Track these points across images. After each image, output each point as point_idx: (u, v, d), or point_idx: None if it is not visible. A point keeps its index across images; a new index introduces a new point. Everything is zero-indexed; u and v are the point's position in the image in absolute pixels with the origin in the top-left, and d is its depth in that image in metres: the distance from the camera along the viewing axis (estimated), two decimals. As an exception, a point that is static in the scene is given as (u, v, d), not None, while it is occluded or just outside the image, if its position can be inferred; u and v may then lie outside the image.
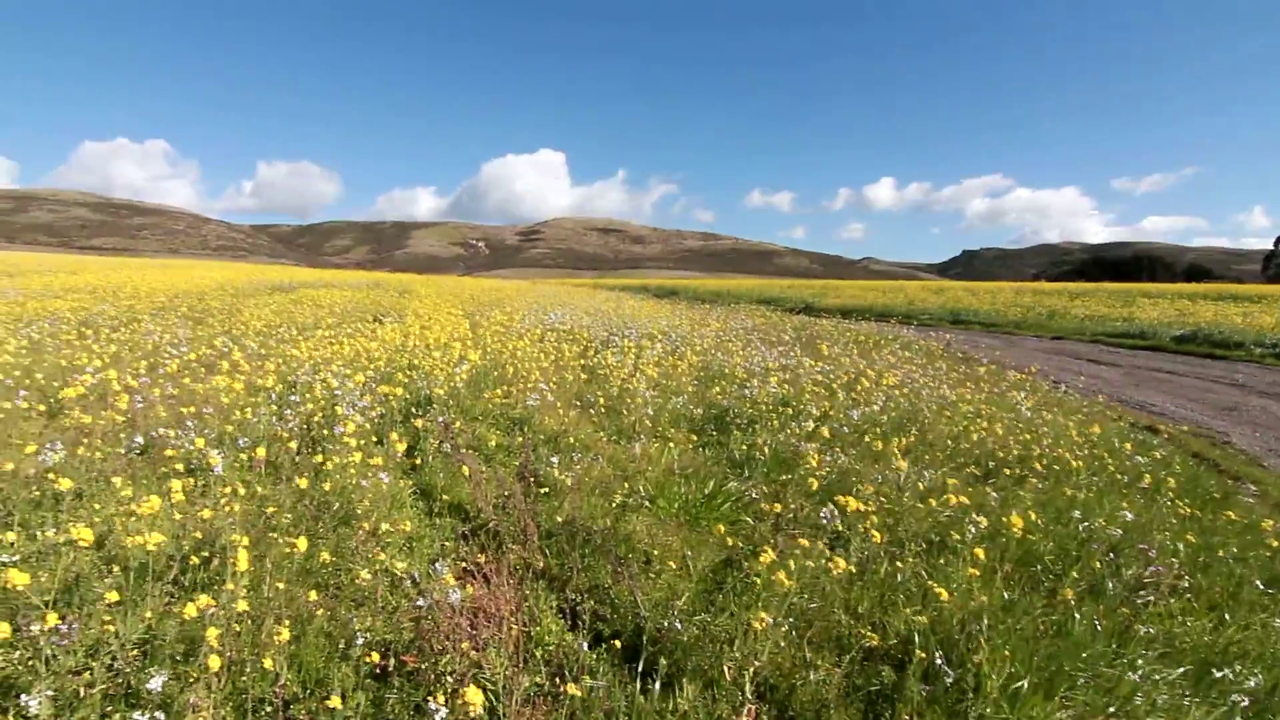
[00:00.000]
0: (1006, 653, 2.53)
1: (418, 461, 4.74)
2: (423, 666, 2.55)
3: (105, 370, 6.37)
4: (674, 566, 3.44)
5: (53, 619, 2.06)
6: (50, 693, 1.99)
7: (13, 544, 3.00)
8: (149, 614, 2.38)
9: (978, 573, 2.96)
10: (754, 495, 4.26)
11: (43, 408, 5.39)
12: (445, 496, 4.26)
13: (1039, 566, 3.64)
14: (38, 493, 3.77)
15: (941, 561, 3.43)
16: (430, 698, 2.08)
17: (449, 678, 2.47)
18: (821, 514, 3.67)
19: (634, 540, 3.59)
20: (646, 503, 4.09)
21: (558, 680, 2.44)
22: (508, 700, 2.13)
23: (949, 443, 5.60)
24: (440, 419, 5.39)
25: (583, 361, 8.40)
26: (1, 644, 2.23)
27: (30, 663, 2.31)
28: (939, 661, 2.51)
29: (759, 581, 2.85)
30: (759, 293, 35.56)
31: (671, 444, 5.32)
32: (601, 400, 6.37)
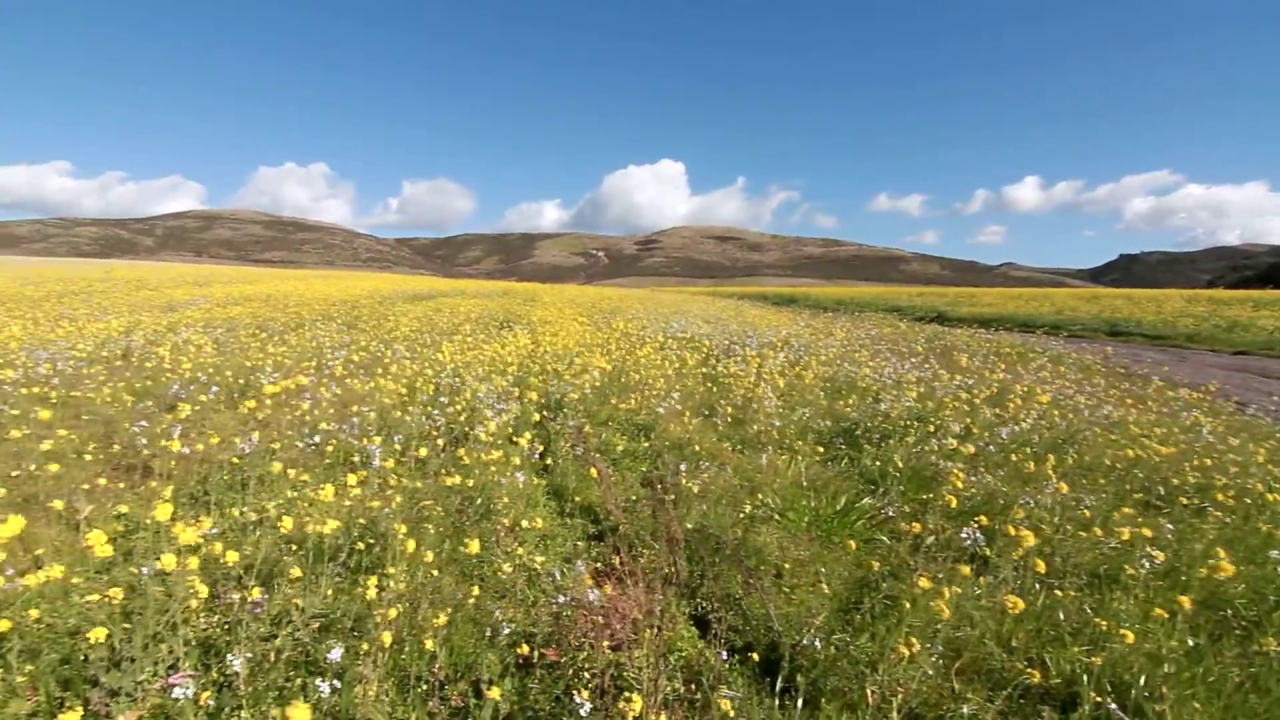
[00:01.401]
0: (1196, 705, 2.25)
1: (549, 463, 4.94)
2: (561, 660, 2.65)
3: (279, 370, 7.16)
4: (806, 582, 3.36)
5: (256, 591, 2.32)
6: (249, 655, 2.26)
7: (214, 522, 3.44)
8: (327, 591, 2.63)
9: (1164, 613, 2.66)
10: (890, 513, 4.07)
11: (232, 400, 6.12)
12: (576, 498, 4.40)
13: (1228, 611, 3.21)
14: (228, 476, 4.30)
15: (1109, 598, 3.12)
16: (575, 692, 2.15)
17: (587, 673, 2.55)
18: (965, 537, 3.45)
19: (765, 552, 3.54)
20: (776, 515, 4.02)
21: (694, 687, 2.45)
22: (649, 702, 2.16)
23: (1112, 467, 5.07)
24: (571, 423, 5.59)
25: (705, 370, 8.40)
26: (203, 608, 2.57)
27: (226, 626, 2.63)
28: (1112, 707, 2.28)
29: (907, 604, 2.71)
30: (885, 301, 33.99)
31: (799, 456, 5.20)
32: (727, 409, 6.34)
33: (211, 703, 2.10)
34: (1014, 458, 5.03)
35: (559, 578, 3.04)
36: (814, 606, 3.03)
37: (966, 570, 2.74)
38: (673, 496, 3.65)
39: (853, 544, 3.28)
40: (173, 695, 2.00)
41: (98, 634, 1.99)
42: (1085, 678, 2.46)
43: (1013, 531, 3.02)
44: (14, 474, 3.97)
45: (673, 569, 2.69)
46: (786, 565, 3.40)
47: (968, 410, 6.49)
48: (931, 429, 5.72)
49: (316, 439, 4.82)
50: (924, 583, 2.55)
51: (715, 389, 7.52)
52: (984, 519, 3.60)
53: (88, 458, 4.37)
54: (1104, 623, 2.68)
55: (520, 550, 3.23)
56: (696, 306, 24.01)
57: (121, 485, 4.10)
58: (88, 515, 3.39)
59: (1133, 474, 4.97)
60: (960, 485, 4.25)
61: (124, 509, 3.73)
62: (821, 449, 5.34)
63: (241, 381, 6.73)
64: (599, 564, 3.44)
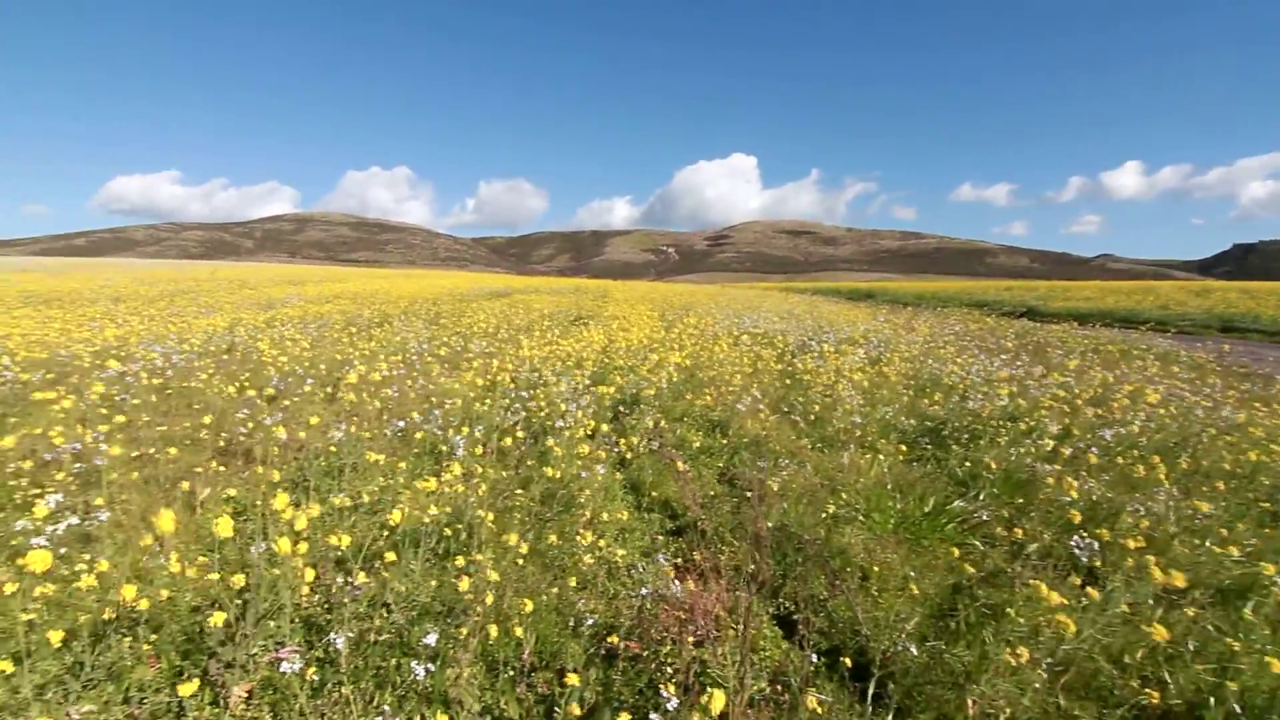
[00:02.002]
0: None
1: (627, 457, 4.96)
2: (644, 653, 2.64)
3: (369, 363, 7.48)
4: (894, 586, 3.23)
5: (362, 577, 2.42)
6: (350, 634, 2.36)
7: (313, 508, 3.62)
8: (420, 576, 2.72)
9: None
10: (984, 517, 3.87)
11: (325, 392, 6.45)
12: (653, 493, 4.40)
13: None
14: (324, 463, 4.52)
15: (1237, 615, 2.85)
16: (661, 686, 2.14)
17: (670, 668, 2.54)
18: (1073, 545, 3.24)
19: (849, 554, 3.43)
20: (859, 516, 3.89)
21: (780, 688, 2.39)
22: (735, 701, 2.13)
23: (1233, 472, 4.65)
24: (647, 418, 5.60)
25: (781, 366, 8.25)
26: (307, 589, 2.71)
27: (327, 606, 2.76)
28: (1247, 737, 2.08)
29: (1009, 613, 2.57)
30: (969, 295, 32.43)
31: (881, 456, 5.02)
32: (807, 406, 6.20)
33: (316, 678, 2.21)
34: (1120, 461, 4.70)
35: (640, 571, 3.03)
36: (904, 612, 2.91)
37: (1077, 581, 2.56)
38: (755, 494, 3.58)
39: (945, 548, 3.13)
40: (281, 669, 2.11)
41: (218, 618, 2.12)
42: (1212, 701, 2.26)
43: (1127, 543, 2.81)
44: (134, 455, 4.30)
45: (756, 567, 2.64)
46: (874, 568, 3.28)
47: (1066, 410, 6.10)
48: (1026, 429, 5.41)
49: (402, 426, 5.01)
50: (1046, 594, 2.40)
51: (792, 385, 7.37)
52: (1089, 525, 3.38)
53: (200, 443, 4.69)
54: (1235, 643, 2.45)
55: (602, 543, 3.25)
56: (769, 302, 23.63)
57: (229, 469, 4.39)
58: (204, 498, 3.64)
59: (1257, 480, 4.55)
60: (1061, 488, 4.01)
61: (232, 492, 3.99)
62: (905, 448, 5.13)
63: (334, 374, 7.08)
64: (679, 559, 3.42)
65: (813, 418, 6.04)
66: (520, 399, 5.81)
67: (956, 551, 3.17)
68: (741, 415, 5.96)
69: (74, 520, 3.17)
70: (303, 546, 2.35)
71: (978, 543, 3.66)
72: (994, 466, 4.54)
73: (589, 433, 4.97)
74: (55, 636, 2.15)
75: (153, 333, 9.46)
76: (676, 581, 2.77)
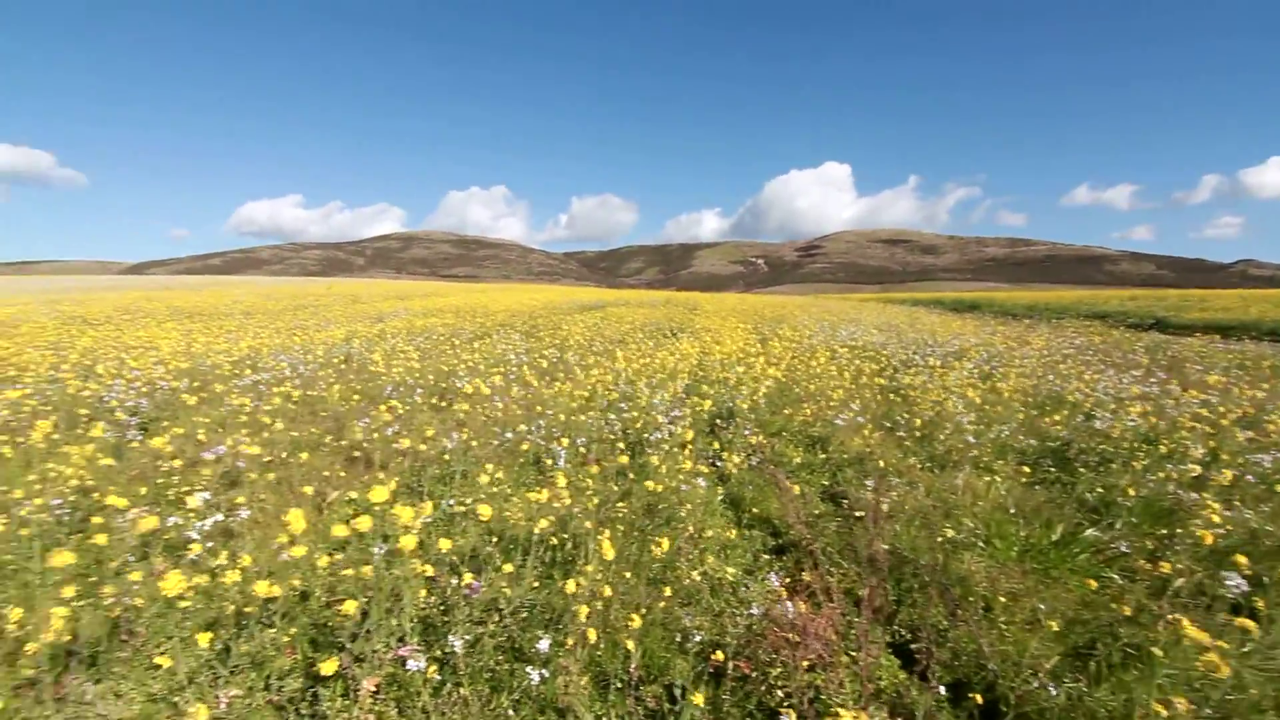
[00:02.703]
0: None
1: (725, 472, 4.90)
2: (752, 674, 2.58)
3: (477, 375, 7.79)
4: (1021, 618, 3.01)
5: (469, 577, 2.51)
6: (468, 637, 2.44)
7: (429, 513, 3.79)
8: (532, 583, 2.78)
9: None
10: (1122, 548, 3.55)
11: (433, 402, 6.76)
12: (754, 509, 4.32)
13: None
14: (437, 470, 4.73)
15: None
16: (784, 713, 2.08)
17: (780, 691, 2.46)
18: (1229, 582, 2.91)
19: (969, 582, 3.23)
20: (980, 542, 3.66)
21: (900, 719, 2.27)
22: (856, 732, 2.03)
23: None
24: (745, 432, 5.52)
25: (883, 381, 7.93)
26: (425, 590, 2.82)
27: (443, 608, 2.87)
28: None
29: (1157, 654, 2.33)
30: (1087, 305, 30.07)
31: (998, 478, 4.71)
32: (913, 423, 5.92)
33: (437, 677, 2.29)
34: (1281, 490, 4.19)
35: (750, 589, 2.97)
36: (1034, 647, 2.70)
37: (1246, 623, 2.29)
38: (866, 514, 3.44)
39: (1079, 580, 2.89)
40: (406, 666, 2.21)
41: (349, 605, 2.24)
42: None
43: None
44: (266, 459, 4.65)
45: (872, 591, 2.52)
46: (998, 598, 3.07)
47: (1211, 432, 5.53)
48: (1166, 452, 4.93)
49: (509, 436, 5.17)
50: (1176, 631, 2.17)
51: (896, 401, 7.07)
52: (1246, 562, 3.02)
53: (324, 448, 5.02)
54: None
55: (710, 559, 3.21)
56: (866, 314, 22.86)
57: (350, 474, 4.67)
58: (330, 500, 3.88)
59: None
60: (1209, 519, 3.62)
61: (354, 494, 4.24)
62: (1026, 470, 4.80)
63: (441, 384, 7.42)
64: (788, 579, 3.33)
65: (920, 435, 5.76)
66: (617, 410, 5.87)
67: (1094, 584, 2.91)
68: (843, 431, 5.76)
69: (219, 517, 3.46)
70: (410, 541, 2.45)
71: (1115, 576, 3.36)
72: (1131, 493, 4.16)
73: (686, 446, 4.95)
74: (203, 638, 2.33)
75: (280, 344, 10.27)
76: (789, 603, 2.69)
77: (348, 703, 2.23)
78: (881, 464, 5.01)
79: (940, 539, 3.60)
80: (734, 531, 4.01)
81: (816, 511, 4.29)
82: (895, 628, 2.94)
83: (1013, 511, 4.06)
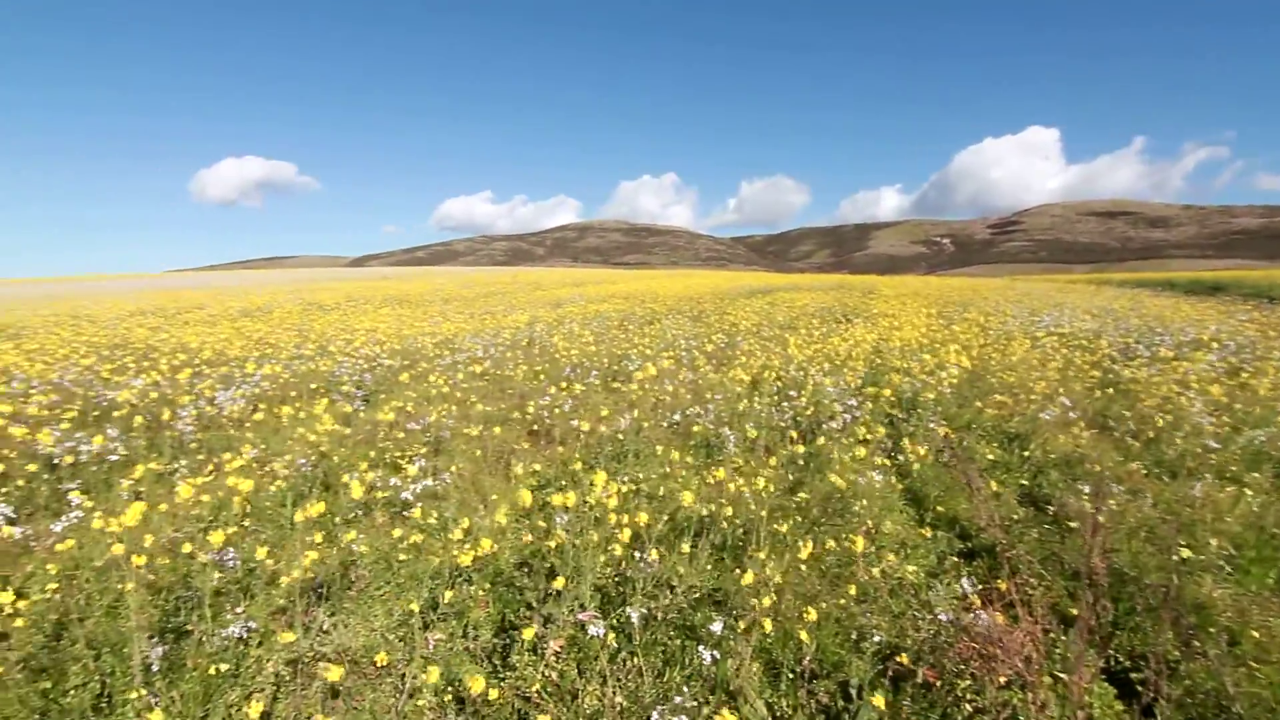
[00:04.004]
0: None
1: (905, 466, 4.60)
2: (937, 684, 2.41)
3: (647, 358, 8.01)
4: (1278, 658, 2.52)
5: (654, 554, 2.59)
6: (643, 610, 2.52)
7: (603, 487, 3.97)
8: (706, 565, 2.82)
9: None
10: None
11: (606, 383, 7.05)
12: (938, 508, 4.02)
13: None
14: (611, 449, 4.93)
15: None
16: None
17: (969, 705, 2.28)
18: None
19: (1209, 610, 2.76)
20: (1226, 565, 3.11)
21: (1120, 759, 2.00)
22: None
23: None
24: (929, 424, 5.15)
25: (1097, 374, 6.97)
26: (605, 562, 2.97)
27: (618, 580, 2.99)
28: None
29: None
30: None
31: (1249, 491, 3.96)
32: (1137, 422, 5.16)
33: (614, 645, 2.41)
34: None
35: (936, 592, 2.78)
36: (1300, 696, 2.25)
37: None
38: (1089, 522, 3.07)
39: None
40: (587, 631, 2.34)
41: (539, 574, 2.41)
42: None
43: None
44: (465, 430, 5.12)
45: (1088, 609, 2.23)
46: (1250, 632, 2.59)
47: None
48: None
49: (678, 419, 5.26)
50: None
51: (1114, 396, 6.19)
52: None
53: (513, 423, 5.44)
54: None
55: (889, 557, 3.05)
56: (1074, 297, 20.20)
57: (535, 447, 5.02)
58: (519, 471, 4.21)
59: None
60: None
61: (537, 467, 4.55)
62: (1291, 484, 3.99)
63: (613, 367, 7.73)
64: (980, 586, 3.06)
65: (1146, 437, 5.00)
66: (788, 397, 5.73)
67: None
68: (1047, 428, 5.16)
69: (428, 482, 3.89)
70: (611, 509, 2.56)
71: None
72: None
73: (863, 438, 4.72)
74: (413, 592, 2.63)
75: (473, 328, 11.28)
76: (981, 612, 2.48)
77: (534, 658, 2.41)
78: (1095, 468, 4.42)
79: (1173, 558, 3.10)
80: (912, 529, 3.77)
81: (1015, 516, 3.89)
82: (1111, 653, 2.59)
83: (1267, 532, 3.40)
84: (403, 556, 2.94)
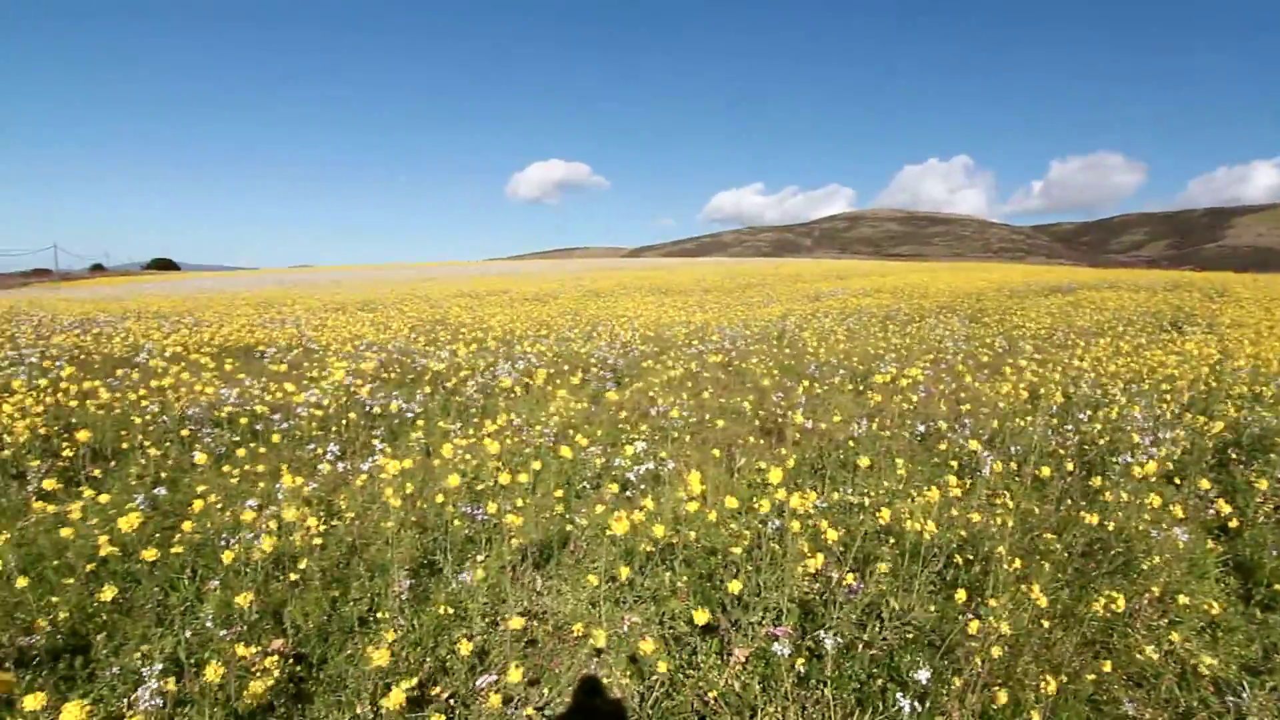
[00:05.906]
0: None
1: (1233, 525, 3.56)
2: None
3: (899, 359, 7.37)
4: None
5: (850, 578, 2.37)
6: (841, 639, 2.32)
7: (816, 499, 3.74)
8: (918, 598, 2.50)
9: None
10: None
11: (852, 385, 6.63)
12: (1277, 585, 3.04)
13: None
14: (842, 455, 4.62)
15: None
16: None
17: None
18: None
19: None
20: None
21: None
22: None
23: None
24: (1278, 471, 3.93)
25: None
26: (806, 575, 2.79)
27: (823, 597, 2.79)
28: None
29: None
30: None
31: None
32: None
33: (802, 670, 2.25)
34: None
35: (1255, 696, 2.11)
36: None
37: None
38: None
39: None
40: (774, 649, 2.22)
41: (733, 586, 2.35)
42: None
43: None
44: (694, 420, 5.21)
45: None
46: None
47: None
48: None
49: (923, 430, 4.74)
50: None
51: None
52: None
53: (744, 417, 5.40)
54: None
55: (1177, 636, 2.39)
56: None
57: (762, 444, 4.92)
58: (740, 466, 4.17)
59: None
60: None
61: (761, 465, 4.45)
62: None
63: (863, 368, 7.24)
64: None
65: None
66: (1075, 419, 4.82)
67: None
68: None
69: (650, 465, 4.04)
70: (796, 525, 2.41)
71: None
72: None
73: (1173, 480, 3.76)
74: (623, 570, 2.73)
75: (727, 319, 11.47)
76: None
77: (719, 662, 2.36)
78: None
79: None
80: (1231, 607, 2.90)
81: None
82: None
83: None
84: (619, 533, 3.09)
